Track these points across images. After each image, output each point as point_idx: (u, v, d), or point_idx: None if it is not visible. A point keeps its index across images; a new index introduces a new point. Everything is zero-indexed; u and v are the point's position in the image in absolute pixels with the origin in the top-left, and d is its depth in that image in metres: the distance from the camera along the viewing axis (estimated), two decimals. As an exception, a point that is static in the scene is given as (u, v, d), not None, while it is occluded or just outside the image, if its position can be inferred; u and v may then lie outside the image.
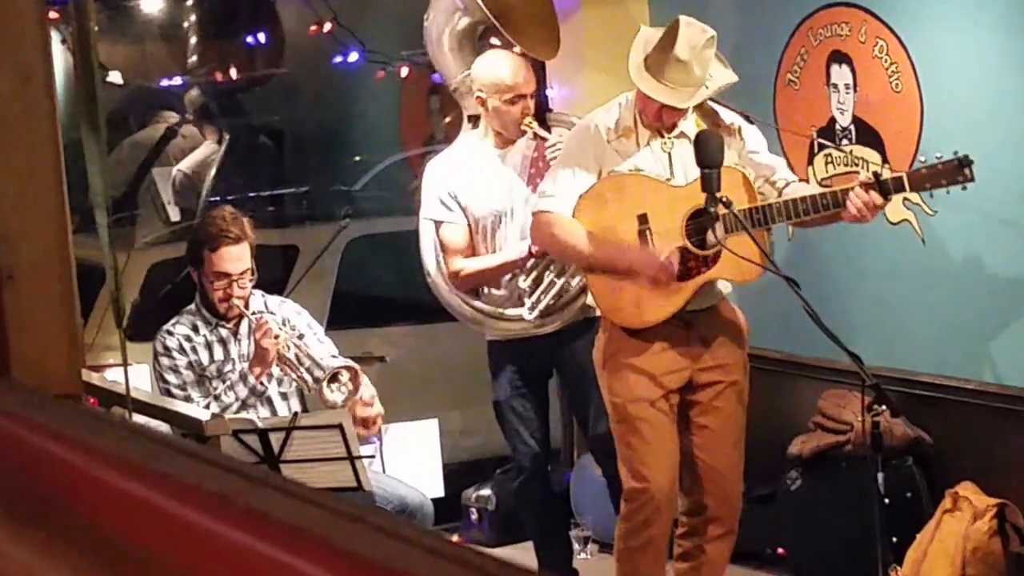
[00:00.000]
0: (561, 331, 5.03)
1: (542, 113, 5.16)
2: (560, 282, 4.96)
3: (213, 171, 8.62)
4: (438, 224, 5.09)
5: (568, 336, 5.03)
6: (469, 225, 5.06)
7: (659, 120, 4.45)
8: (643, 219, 4.41)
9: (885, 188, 4.28)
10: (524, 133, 5.01)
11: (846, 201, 4.27)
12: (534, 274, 4.98)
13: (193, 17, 9.67)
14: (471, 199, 5.05)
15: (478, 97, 5.02)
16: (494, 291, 5.07)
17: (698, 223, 4.39)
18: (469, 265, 5.07)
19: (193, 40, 9.69)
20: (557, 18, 5.33)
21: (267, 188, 8.84)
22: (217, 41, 9.73)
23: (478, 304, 5.10)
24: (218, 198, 8.01)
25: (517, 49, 5.15)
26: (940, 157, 4.27)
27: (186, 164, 8.87)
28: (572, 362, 5.03)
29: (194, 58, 9.62)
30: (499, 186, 5.04)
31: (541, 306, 4.97)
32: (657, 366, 4.48)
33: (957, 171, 4.24)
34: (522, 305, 5.00)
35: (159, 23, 9.92)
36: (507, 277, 5.04)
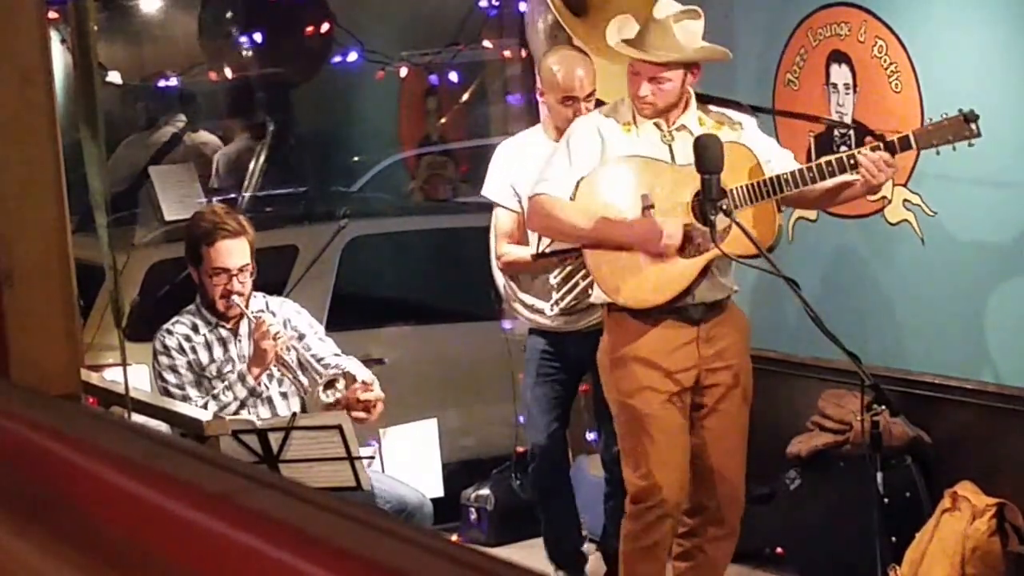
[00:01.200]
0: (596, 332, 5.02)
1: None
2: (584, 284, 4.94)
3: (256, 174, 8.57)
4: (494, 205, 5.19)
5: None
6: (519, 214, 5.11)
7: (648, 101, 4.40)
8: (646, 199, 4.38)
9: (891, 148, 4.26)
10: None
11: (857, 164, 4.24)
12: (567, 270, 4.98)
13: (230, 14, 9.58)
14: (523, 189, 5.09)
15: (539, 91, 5.14)
16: (530, 282, 5.13)
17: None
18: (512, 252, 5.13)
19: (237, 37, 9.59)
20: None
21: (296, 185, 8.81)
22: (271, 38, 9.61)
23: (516, 288, 5.17)
24: (210, 198, 7.99)
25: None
26: (945, 114, 4.26)
27: (231, 148, 8.90)
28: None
29: (249, 54, 9.51)
30: None
31: (563, 304, 4.97)
32: (670, 363, 4.44)
33: (963, 126, 4.21)
34: (549, 300, 5.03)
35: (166, 21, 9.88)
36: (546, 271, 5.06)
